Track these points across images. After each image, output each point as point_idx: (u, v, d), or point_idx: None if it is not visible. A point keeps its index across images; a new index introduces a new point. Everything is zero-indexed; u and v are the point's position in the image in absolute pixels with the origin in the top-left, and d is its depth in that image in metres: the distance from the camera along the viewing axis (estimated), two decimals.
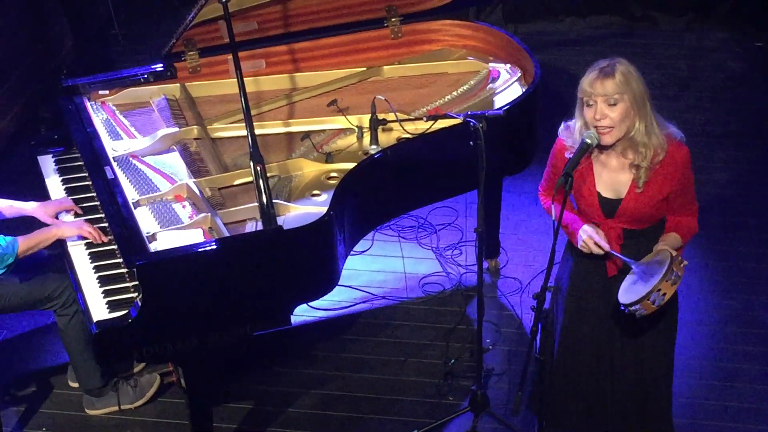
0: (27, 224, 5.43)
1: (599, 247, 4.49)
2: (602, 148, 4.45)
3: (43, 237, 5.23)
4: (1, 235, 5.17)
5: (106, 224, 5.23)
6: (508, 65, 6.15)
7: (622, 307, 4.37)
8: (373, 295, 6.48)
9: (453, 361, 5.93)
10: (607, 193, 4.53)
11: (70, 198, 5.53)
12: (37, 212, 5.49)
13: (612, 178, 4.51)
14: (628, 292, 4.39)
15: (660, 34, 9.43)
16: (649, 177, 4.44)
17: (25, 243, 5.18)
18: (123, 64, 8.16)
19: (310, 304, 6.09)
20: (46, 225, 5.38)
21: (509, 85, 5.99)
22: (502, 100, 5.87)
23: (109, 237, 5.19)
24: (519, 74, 6.04)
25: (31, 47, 8.23)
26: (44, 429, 5.65)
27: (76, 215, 5.45)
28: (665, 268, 4.29)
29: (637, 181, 4.45)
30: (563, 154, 4.57)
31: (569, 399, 4.91)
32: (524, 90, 5.84)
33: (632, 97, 4.34)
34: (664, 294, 4.29)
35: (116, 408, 5.67)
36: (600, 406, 4.87)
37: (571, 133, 4.52)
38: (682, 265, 4.36)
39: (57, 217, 5.46)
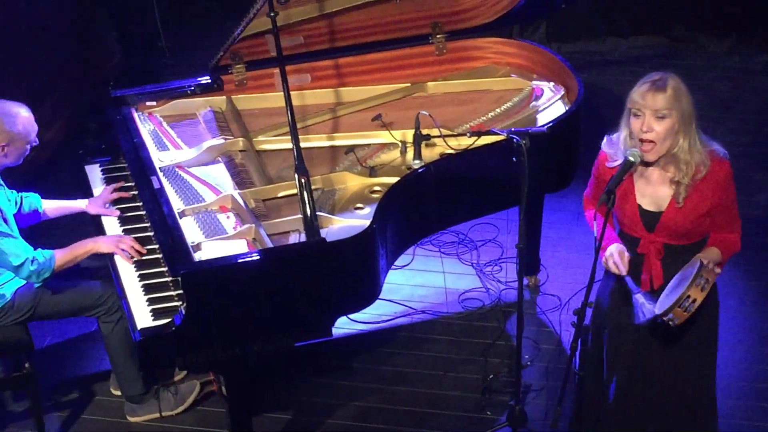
0: (65, 234, 5.51)
1: (616, 267, 4.54)
2: (644, 162, 4.47)
3: (79, 252, 5.32)
4: (40, 249, 5.25)
5: (151, 233, 5.30)
6: (552, 83, 6.18)
7: (659, 320, 4.39)
8: (413, 309, 6.51)
9: (491, 376, 5.95)
10: (648, 206, 4.56)
11: (114, 208, 5.65)
12: (90, 208, 5.65)
13: (653, 192, 4.54)
14: (662, 303, 4.41)
15: (703, 55, 9.43)
16: (690, 192, 4.46)
17: (62, 258, 5.27)
18: (169, 76, 8.23)
19: (351, 317, 6.16)
20: (96, 220, 5.59)
21: (552, 103, 6.02)
22: (545, 118, 5.89)
23: (154, 246, 5.26)
24: (562, 92, 6.07)
25: (79, 59, 8.34)
26: None
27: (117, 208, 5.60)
28: (694, 274, 4.30)
29: (677, 197, 4.48)
30: (605, 166, 4.61)
31: (621, 418, 4.92)
32: (567, 108, 5.88)
33: (680, 114, 4.36)
34: (694, 300, 4.30)
35: (157, 415, 5.73)
36: (646, 421, 4.88)
37: (614, 143, 4.56)
38: (714, 271, 4.37)
39: (106, 207, 5.65)
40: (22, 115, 5.23)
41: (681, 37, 9.56)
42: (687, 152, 4.41)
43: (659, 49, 9.54)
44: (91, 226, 5.68)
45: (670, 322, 4.37)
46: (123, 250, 5.25)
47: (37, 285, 5.28)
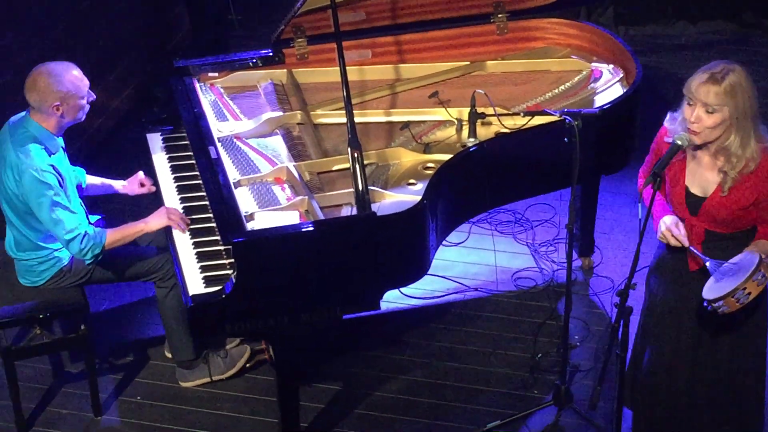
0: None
1: (677, 240, 4.54)
2: (697, 145, 4.47)
3: (130, 232, 5.39)
4: (92, 226, 5.34)
5: (206, 202, 5.38)
6: (611, 66, 6.16)
7: (705, 303, 4.39)
8: (466, 286, 6.54)
9: (540, 355, 5.99)
10: (694, 190, 4.56)
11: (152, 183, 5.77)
12: (126, 189, 5.79)
13: (702, 176, 4.54)
14: (713, 289, 4.40)
15: None
16: (736, 183, 4.45)
17: (112, 236, 5.32)
18: (238, 48, 8.30)
19: (403, 291, 6.23)
20: (157, 193, 5.69)
21: (611, 86, 6.01)
22: (602, 100, 5.89)
23: (209, 215, 5.34)
24: (621, 75, 6.06)
25: (149, 29, 8.44)
26: (138, 398, 5.82)
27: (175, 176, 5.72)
28: (753, 268, 4.29)
29: (722, 185, 4.47)
30: (663, 141, 4.61)
31: (652, 395, 4.94)
32: (625, 91, 5.87)
33: (733, 110, 4.32)
34: (749, 293, 4.30)
35: (208, 379, 5.82)
36: (684, 403, 4.89)
37: (675, 119, 4.56)
38: None
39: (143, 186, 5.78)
40: (69, 72, 5.27)
41: (750, 23, 9.46)
42: (739, 147, 4.38)
43: (728, 35, 9.45)
44: (152, 199, 5.79)
45: (719, 310, 4.37)
46: (173, 221, 5.36)
47: (88, 262, 5.36)
